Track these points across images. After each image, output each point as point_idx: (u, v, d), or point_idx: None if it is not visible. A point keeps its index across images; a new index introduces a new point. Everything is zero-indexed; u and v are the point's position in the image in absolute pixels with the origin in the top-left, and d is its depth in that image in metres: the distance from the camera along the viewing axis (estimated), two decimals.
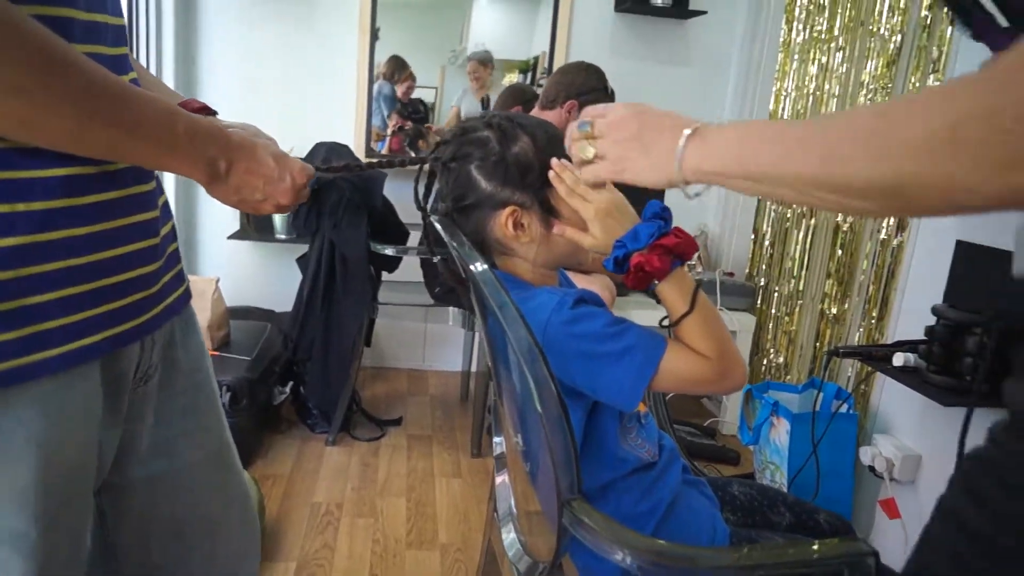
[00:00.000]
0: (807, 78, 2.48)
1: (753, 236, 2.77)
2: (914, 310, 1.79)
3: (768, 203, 2.64)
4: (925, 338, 1.54)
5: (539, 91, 2.37)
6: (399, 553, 1.80)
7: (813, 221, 2.37)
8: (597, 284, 1.93)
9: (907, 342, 1.62)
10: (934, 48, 1.85)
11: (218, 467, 0.89)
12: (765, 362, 2.62)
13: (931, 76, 1.86)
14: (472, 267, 0.77)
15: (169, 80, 2.55)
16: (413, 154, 2.82)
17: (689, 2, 2.76)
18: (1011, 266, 0.52)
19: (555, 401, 0.69)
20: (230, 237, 2.70)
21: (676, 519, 0.93)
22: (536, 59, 2.86)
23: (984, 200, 0.40)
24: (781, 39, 2.64)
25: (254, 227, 2.74)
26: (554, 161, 0.87)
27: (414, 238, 2.51)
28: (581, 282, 1.12)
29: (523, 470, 0.96)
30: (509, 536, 1.05)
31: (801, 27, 2.53)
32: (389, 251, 2.28)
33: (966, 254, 1.60)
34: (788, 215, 2.53)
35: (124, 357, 0.71)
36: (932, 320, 1.53)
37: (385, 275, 2.48)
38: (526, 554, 1.00)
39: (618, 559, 0.70)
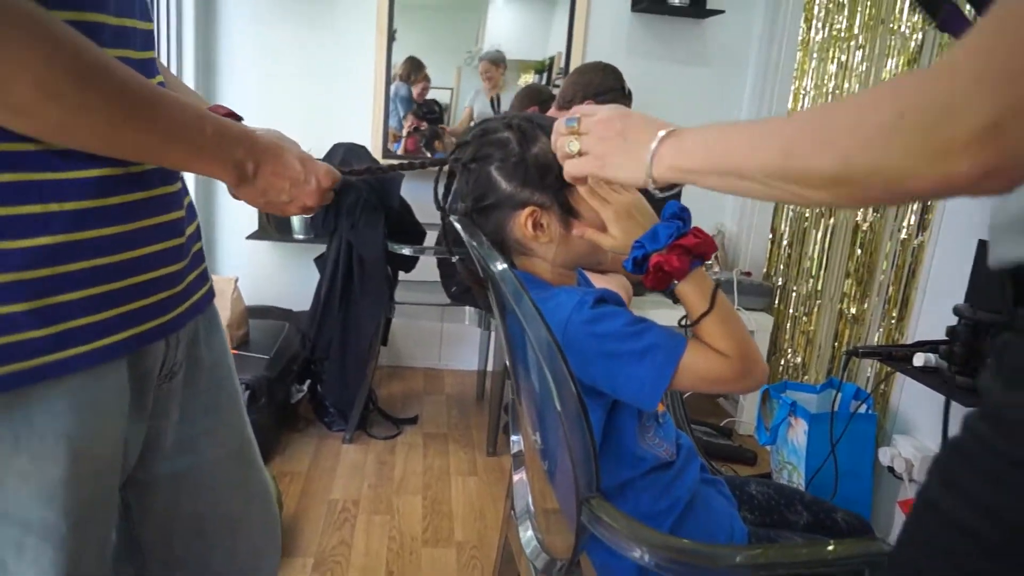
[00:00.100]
0: (826, 77, 2.46)
1: (771, 236, 2.75)
2: (935, 310, 1.77)
3: (785, 204, 2.62)
4: (947, 338, 1.53)
5: (555, 92, 2.37)
6: (415, 550, 1.81)
7: (832, 220, 2.35)
8: (614, 284, 1.93)
9: (928, 342, 1.61)
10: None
11: (240, 464, 0.90)
12: (783, 362, 2.60)
13: None
14: (492, 267, 0.77)
15: (189, 82, 2.58)
16: (429, 155, 2.83)
17: (706, 1, 2.75)
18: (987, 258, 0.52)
19: (575, 399, 0.69)
20: (249, 237, 2.72)
21: (694, 518, 0.93)
22: (552, 59, 2.86)
23: (932, 185, 0.42)
24: (800, 38, 2.62)
25: (275, 228, 2.77)
26: None
27: (431, 238, 2.52)
28: (598, 282, 1.12)
29: (541, 468, 0.97)
30: (527, 533, 1.06)
31: (820, 25, 2.51)
32: (406, 251, 2.30)
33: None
34: (807, 215, 2.52)
35: (150, 354, 0.72)
36: (953, 320, 1.51)
37: (402, 275, 2.49)
38: (543, 551, 1.01)
39: (636, 556, 0.70)
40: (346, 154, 2.33)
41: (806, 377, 2.45)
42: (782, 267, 2.66)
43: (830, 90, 2.42)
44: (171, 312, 0.73)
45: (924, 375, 1.56)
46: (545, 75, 2.87)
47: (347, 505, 1.99)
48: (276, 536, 0.98)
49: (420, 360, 3.08)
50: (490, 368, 2.69)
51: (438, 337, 3.06)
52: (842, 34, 2.38)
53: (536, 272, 0.95)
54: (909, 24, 2.03)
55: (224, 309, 2.21)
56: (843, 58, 2.36)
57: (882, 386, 1.98)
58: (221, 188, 2.74)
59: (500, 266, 0.77)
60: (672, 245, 0.80)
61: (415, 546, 1.83)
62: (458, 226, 0.91)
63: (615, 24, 2.82)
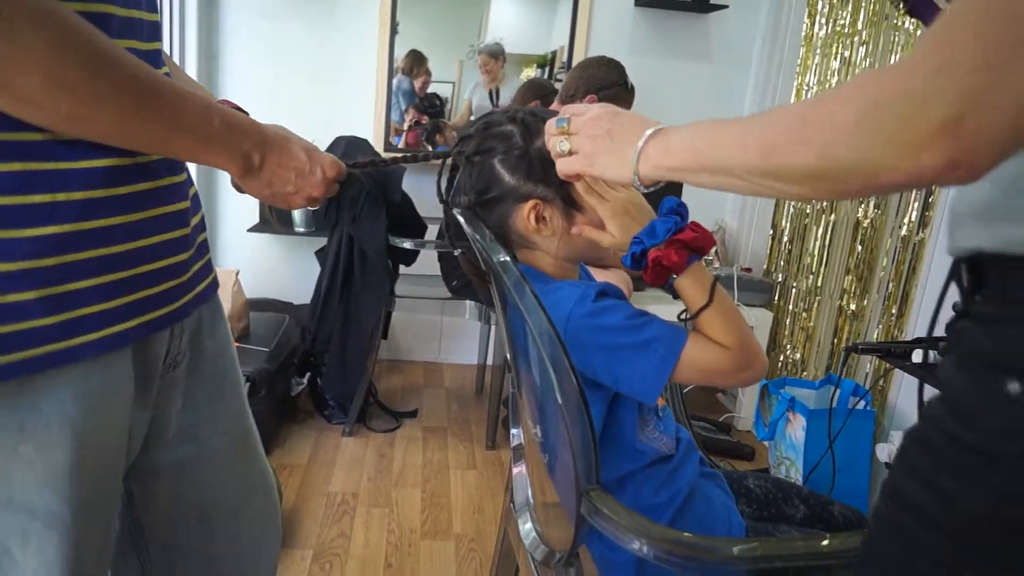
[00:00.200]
0: (829, 73, 2.46)
1: (771, 232, 2.76)
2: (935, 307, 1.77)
3: (786, 200, 2.63)
4: (946, 335, 1.53)
5: (557, 86, 2.37)
6: (414, 543, 1.82)
7: (833, 217, 2.36)
8: (614, 278, 1.93)
9: (927, 339, 1.61)
10: None
11: (242, 452, 0.91)
12: (782, 358, 2.61)
13: None
14: (495, 259, 0.78)
15: (191, 73, 2.57)
16: (430, 148, 2.83)
17: None
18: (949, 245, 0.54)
19: (575, 392, 0.70)
20: (250, 230, 2.73)
21: (693, 511, 0.94)
22: (554, 54, 2.86)
23: (905, 177, 0.43)
24: (803, 33, 2.62)
25: (278, 220, 2.77)
26: None
27: (432, 231, 2.52)
28: (599, 276, 1.12)
29: (541, 461, 0.97)
30: (526, 526, 1.06)
31: (824, 21, 2.51)
32: (407, 244, 2.30)
33: None
34: (807, 211, 2.52)
35: (155, 343, 0.73)
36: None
37: (402, 268, 2.49)
38: (543, 543, 1.01)
39: (635, 548, 0.70)
40: (348, 147, 2.33)
41: (805, 373, 2.46)
42: (782, 263, 2.66)
43: (833, 86, 2.42)
44: (177, 301, 0.73)
45: (923, 372, 1.56)
46: (547, 69, 2.87)
47: (346, 497, 2.00)
48: (277, 525, 0.99)
49: (420, 354, 3.09)
50: (489, 362, 2.70)
51: (438, 331, 3.07)
52: (845, 30, 2.38)
53: (538, 265, 0.96)
54: (913, 20, 2.03)
55: (225, 302, 2.21)
56: (846, 54, 2.36)
57: (881, 382, 1.98)
58: (223, 181, 2.76)
59: (503, 258, 0.77)
60: (670, 240, 0.81)
61: (414, 538, 1.84)
62: (461, 219, 0.91)
63: (618, 18, 2.82)
